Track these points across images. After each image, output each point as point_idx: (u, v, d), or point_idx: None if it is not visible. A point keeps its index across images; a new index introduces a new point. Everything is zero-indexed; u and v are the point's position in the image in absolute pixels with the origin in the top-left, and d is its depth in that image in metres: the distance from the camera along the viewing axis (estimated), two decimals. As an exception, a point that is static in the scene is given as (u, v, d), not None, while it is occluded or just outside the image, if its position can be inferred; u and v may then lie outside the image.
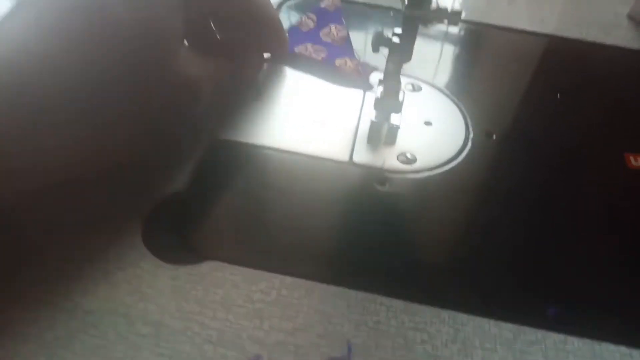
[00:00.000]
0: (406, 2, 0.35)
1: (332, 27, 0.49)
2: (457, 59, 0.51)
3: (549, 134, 0.43)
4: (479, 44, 0.54)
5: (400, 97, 0.41)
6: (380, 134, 0.41)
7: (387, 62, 0.40)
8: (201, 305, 0.29)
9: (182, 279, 0.31)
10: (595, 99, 0.48)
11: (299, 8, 0.54)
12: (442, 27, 0.54)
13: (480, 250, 0.35)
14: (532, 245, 0.35)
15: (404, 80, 0.46)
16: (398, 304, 0.30)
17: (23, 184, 0.29)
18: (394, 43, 0.39)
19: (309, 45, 0.47)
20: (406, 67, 0.42)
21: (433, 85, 0.46)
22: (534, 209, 0.37)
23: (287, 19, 0.51)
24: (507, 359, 0.28)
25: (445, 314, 0.30)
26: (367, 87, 0.46)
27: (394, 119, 0.41)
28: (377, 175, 0.38)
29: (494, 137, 0.42)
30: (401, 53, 0.39)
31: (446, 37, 0.54)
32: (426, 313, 0.30)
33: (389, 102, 0.41)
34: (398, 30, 0.39)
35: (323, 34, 0.49)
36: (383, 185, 0.37)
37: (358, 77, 0.46)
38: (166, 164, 0.37)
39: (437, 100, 0.45)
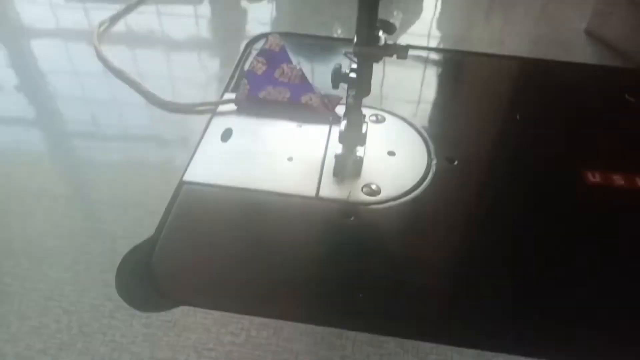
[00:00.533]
0: (355, 40, 0.37)
1: (284, 66, 0.51)
2: (420, 88, 0.53)
3: (510, 155, 0.45)
4: (440, 71, 0.56)
5: (364, 130, 0.43)
6: (346, 167, 0.43)
7: (347, 97, 0.42)
8: (173, 351, 0.31)
9: (155, 326, 0.32)
10: (555, 117, 0.49)
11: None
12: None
13: (441, 278, 0.36)
14: (493, 270, 0.36)
15: (368, 111, 0.48)
16: (363, 336, 0.31)
17: None
18: (352, 78, 0.41)
19: (270, 89, 0.48)
20: (370, 99, 0.44)
21: (396, 115, 0.48)
22: (496, 232, 0.39)
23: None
24: (469, 384, 0.30)
25: (409, 344, 0.31)
26: (336, 119, 0.47)
27: (359, 151, 0.43)
28: (343, 209, 0.39)
29: (456, 162, 0.44)
30: (360, 88, 0.41)
31: (407, 67, 0.55)
32: (390, 344, 0.31)
33: (352, 135, 0.43)
34: (355, 65, 0.40)
35: (278, 74, 0.50)
36: (349, 218, 0.39)
37: (326, 110, 0.47)
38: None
39: (400, 130, 0.47)
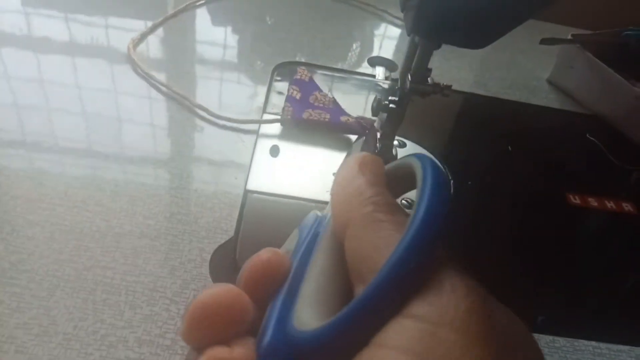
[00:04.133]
0: (409, 78, 0.45)
1: (317, 94, 0.58)
2: (426, 120, 0.62)
3: (507, 179, 0.55)
4: (441, 106, 0.65)
5: (394, 152, 0.50)
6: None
7: (385, 124, 0.49)
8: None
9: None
10: (535, 150, 0.60)
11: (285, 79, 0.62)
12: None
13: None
14: (504, 264, 0.45)
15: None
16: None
17: None
18: (391, 108, 0.48)
19: (311, 111, 0.55)
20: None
21: (414, 142, 0.56)
22: (502, 237, 0.48)
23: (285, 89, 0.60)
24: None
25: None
26: (373, 134, 0.54)
27: (391, 170, 0.50)
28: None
29: (469, 183, 0.52)
30: (397, 116, 0.49)
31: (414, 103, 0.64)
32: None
33: (386, 156, 0.50)
34: (394, 98, 0.48)
35: (312, 100, 0.57)
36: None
37: (362, 128, 0.54)
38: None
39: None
